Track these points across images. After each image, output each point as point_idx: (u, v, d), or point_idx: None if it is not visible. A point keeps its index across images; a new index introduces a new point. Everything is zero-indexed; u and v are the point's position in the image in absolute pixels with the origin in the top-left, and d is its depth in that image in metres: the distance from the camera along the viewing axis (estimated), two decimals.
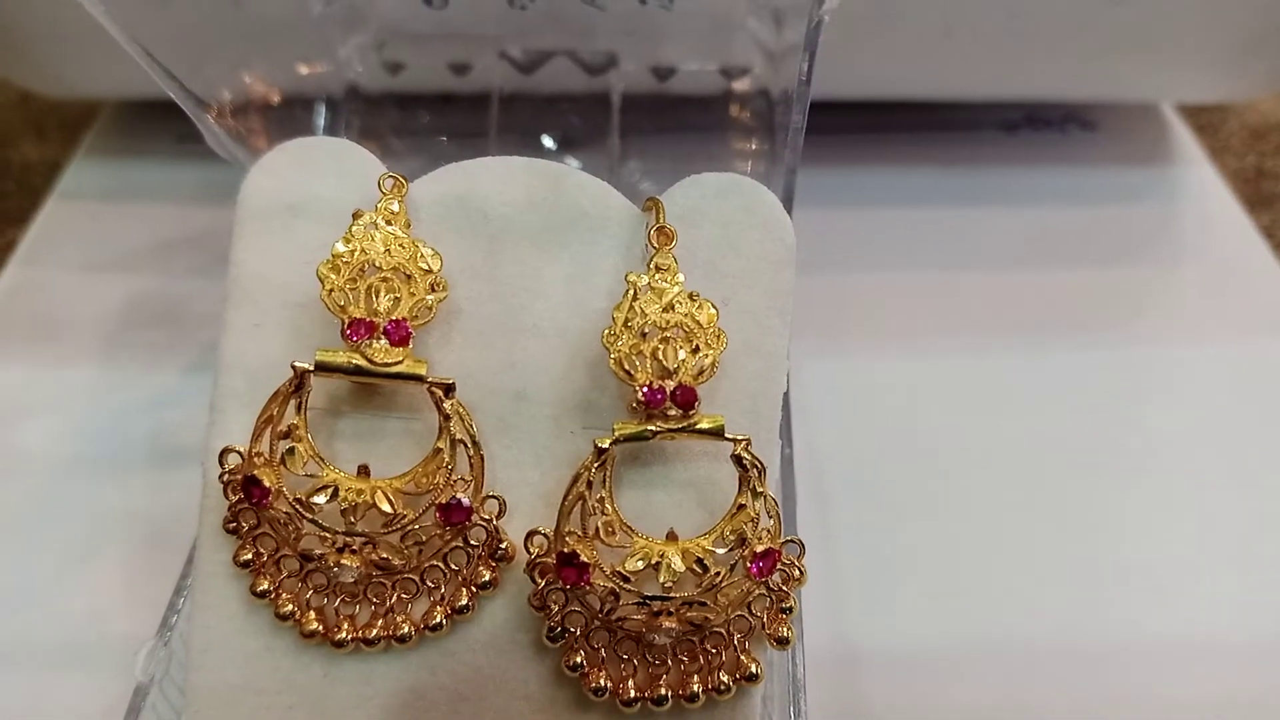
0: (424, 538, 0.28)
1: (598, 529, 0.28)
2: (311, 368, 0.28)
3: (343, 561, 0.28)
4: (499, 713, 0.28)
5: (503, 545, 0.28)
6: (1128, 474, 0.42)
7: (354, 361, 0.28)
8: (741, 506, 0.28)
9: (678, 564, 0.27)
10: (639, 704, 0.28)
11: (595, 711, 0.28)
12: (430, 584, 0.28)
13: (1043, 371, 0.45)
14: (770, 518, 0.28)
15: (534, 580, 0.28)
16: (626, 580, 0.27)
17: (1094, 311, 0.47)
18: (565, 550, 0.27)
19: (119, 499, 0.40)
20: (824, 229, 0.49)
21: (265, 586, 0.28)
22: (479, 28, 0.43)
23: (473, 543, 0.28)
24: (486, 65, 0.44)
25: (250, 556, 0.28)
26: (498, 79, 0.44)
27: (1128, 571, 0.38)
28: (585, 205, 0.31)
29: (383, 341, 0.28)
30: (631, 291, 0.29)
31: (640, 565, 0.27)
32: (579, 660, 0.28)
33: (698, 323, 0.28)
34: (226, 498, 0.28)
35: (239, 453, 0.28)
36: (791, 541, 0.28)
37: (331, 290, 0.29)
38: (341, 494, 0.28)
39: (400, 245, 0.29)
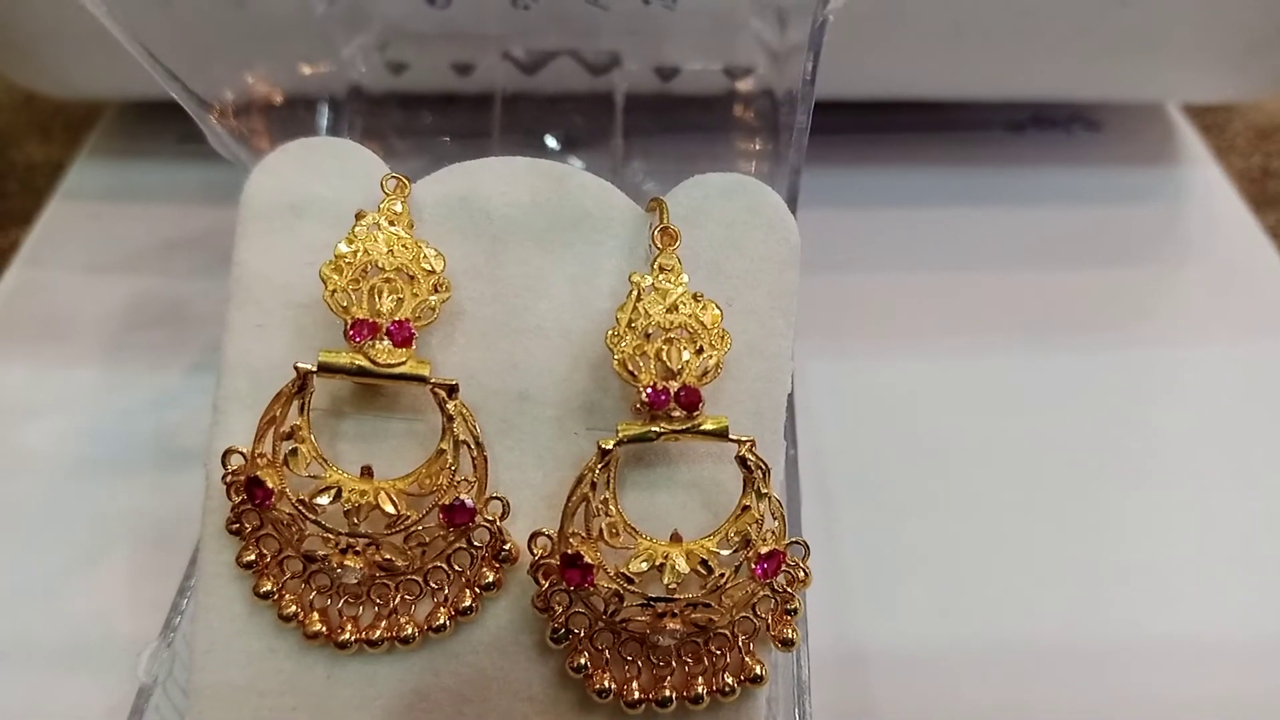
0: (427, 539, 0.28)
1: (601, 530, 0.28)
2: (314, 369, 0.28)
3: (346, 563, 0.28)
4: (502, 714, 0.28)
5: (506, 546, 0.28)
6: (1132, 475, 0.41)
7: (357, 362, 0.28)
8: (746, 508, 0.28)
9: (682, 565, 0.27)
10: (643, 706, 0.27)
11: (599, 713, 0.28)
12: (433, 585, 0.28)
13: (1048, 372, 0.45)
14: (775, 519, 0.28)
15: (538, 582, 0.28)
16: (630, 582, 0.27)
17: (1099, 311, 0.47)
18: (569, 552, 0.27)
19: (123, 500, 0.39)
20: (828, 229, 0.49)
21: (268, 588, 0.28)
22: (482, 28, 0.43)
23: (476, 544, 0.28)
24: (489, 65, 0.44)
25: (253, 558, 0.28)
26: (501, 79, 0.44)
27: (1132, 572, 0.38)
28: (588, 206, 0.31)
29: (385, 342, 0.28)
30: (635, 292, 0.29)
31: (644, 567, 0.27)
32: (583, 662, 0.27)
33: (702, 323, 0.28)
34: (229, 499, 0.28)
35: (242, 454, 0.28)
36: (796, 543, 0.28)
37: (334, 291, 0.28)
38: (345, 495, 0.28)
39: (403, 246, 0.29)
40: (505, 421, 0.30)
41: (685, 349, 0.28)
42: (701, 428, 0.28)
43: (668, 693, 0.27)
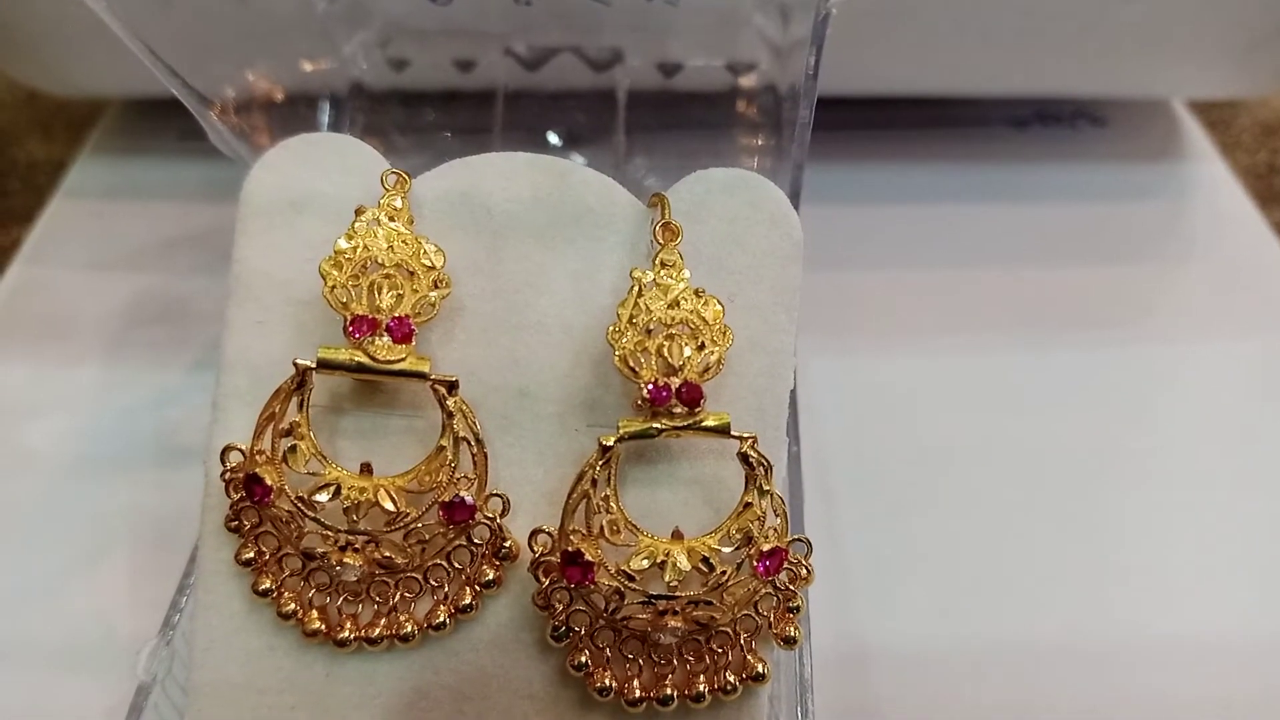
0: (427, 536, 0.28)
1: (602, 527, 0.27)
2: (314, 365, 0.28)
3: (345, 560, 0.28)
4: (503, 712, 0.28)
5: (506, 544, 0.28)
6: (1136, 472, 0.41)
7: (356, 359, 0.28)
8: (748, 505, 0.28)
9: (683, 563, 0.27)
10: (644, 704, 0.27)
11: (600, 711, 0.28)
12: (433, 583, 0.28)
13: (1052, 368, 0.45)
14: (777, 516, 0.28)
15: (538, 579, 0.27)
16: (631, 579, 0.27)
17: (1103, 308, 0.47)
18: (569, 549, 0.27)
19: (123, 497, 0.39)
20: (831, 225, 0.49)
21: (267, 585, 0.28)
22: (484, 24, 0.43)
23: (476, 541, 0.28)
24: (491, 62, 0.44)
25: (252, 555, 0.28)
26: (502, 75, 0.44)
27: (1135, 571, 0.38)
28: (590, 201, 0.31)
29: (385, 338, 0.28)
30: (636, 287, 0.28)
31: (645, 564, 0.27)
32: (584, 660, 0.27)
33: (703, 319, 0.28)
34: (228, 496, 0.28)
35: (241, 451, 0.28)
36: (798, 540, 0.28)
37: (334, 287, 0.28)
38: (344, 492, 0.28)
39: (403, 241, 0.29)
40: (505, 418, 0.29)
41: (687, 345, 0.28)
42: (703, 424, 0.28)
43: (669, 691, 0.27)
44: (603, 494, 0.27)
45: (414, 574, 0.28)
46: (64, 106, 0.61)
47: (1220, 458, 0.42)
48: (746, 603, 0.27)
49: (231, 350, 0.30)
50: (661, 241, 0.29)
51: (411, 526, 0.28)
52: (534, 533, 0.28)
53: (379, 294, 0.28)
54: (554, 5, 0.41)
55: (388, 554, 0.28)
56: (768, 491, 0.27)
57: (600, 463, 0.27)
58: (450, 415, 0.28)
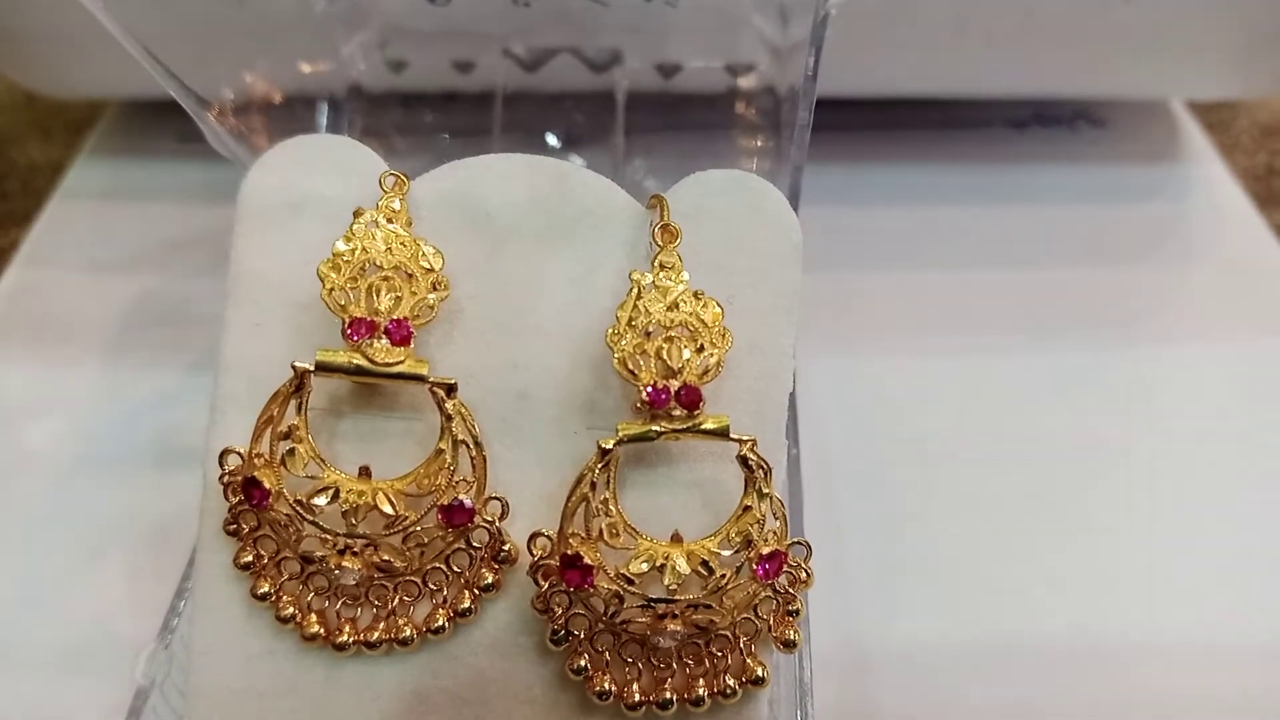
0: (426, 540, 0.28)
1: (601, 531, 0.27)
2: (312, 368, 0.28)
3: (344, 564, 0.28)
4: (502, 716, 0.28)
5: (505, 547, 0.28)
6: (1138, 474, 0.41)
7: (355, 361, 0.28)
8: (747, 508, 0.27)
9: (683, 566, 0.27)
10: (643, 708, 0.27)
11: (599, 715, 0.28)
12: (432, 586, 0.28)
13: (1052, 370, 0.45)
14: (776, 519, 0.28)
15: (537, 583, 0.27)
16: (631, 583, 0.27)
17: (1103, 310, 0.47)
18: (569, 552, 0.27)
19: (122, 500, 0.39)
20: (831, 226, 0.48)
21: (266, 589, 0.28)
22: (482, 25, 0.43)
23: (475, 545, 0.28)
24: (490, 63, 0.44)
25: (251, 559, 0.28)
26: (501, 77, 0.44)
27: (1139, 572, 0.38)
28: (589, 203, 0.31)
29: (384, 341, 0.28)
30: (635, 290, 0.28)
31: (645, 567, 0.27)
32: (583, 664, 0.27)
33: (702, 321, 0.28)
34: (226, 499, 0.28)
35: (239, 454, 0.28)
36: (798, 543, 0.28)
37: (332, 289, 0.28)
38: (342, 495, 0.28)
39: (401, 244, 0.29)
40: (504, 421, 0.29)
41: (686, 347, 0.28)
42: (702, 427, 0.27)
43: (668, 695, 0.27)
44: (602, 497, 0.27)
45: (413, 577, 0.28)
46: (62, 108, 0.61)
47: (1220, 458, 0.42)
48: (746, 606, 0.27)
49: (229, 353, 0.30)
50: (660, 243, 0.29)
51: (410, 530, 0.28)
52: (533, 536, 0.27)
53: (377, 296, 0.28)
54: (553, 6, 0.41)
55: (386, 557, 0.28)
56: (767, 494, 0.27)
57: (599, 466, 0.27)
58: (449, 418, 0.28)
